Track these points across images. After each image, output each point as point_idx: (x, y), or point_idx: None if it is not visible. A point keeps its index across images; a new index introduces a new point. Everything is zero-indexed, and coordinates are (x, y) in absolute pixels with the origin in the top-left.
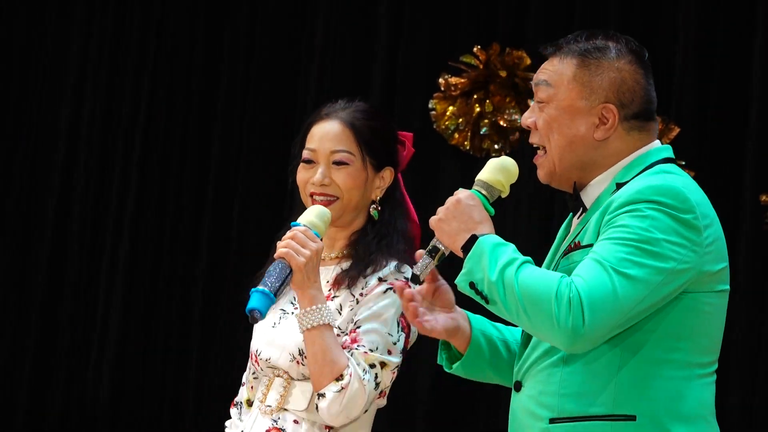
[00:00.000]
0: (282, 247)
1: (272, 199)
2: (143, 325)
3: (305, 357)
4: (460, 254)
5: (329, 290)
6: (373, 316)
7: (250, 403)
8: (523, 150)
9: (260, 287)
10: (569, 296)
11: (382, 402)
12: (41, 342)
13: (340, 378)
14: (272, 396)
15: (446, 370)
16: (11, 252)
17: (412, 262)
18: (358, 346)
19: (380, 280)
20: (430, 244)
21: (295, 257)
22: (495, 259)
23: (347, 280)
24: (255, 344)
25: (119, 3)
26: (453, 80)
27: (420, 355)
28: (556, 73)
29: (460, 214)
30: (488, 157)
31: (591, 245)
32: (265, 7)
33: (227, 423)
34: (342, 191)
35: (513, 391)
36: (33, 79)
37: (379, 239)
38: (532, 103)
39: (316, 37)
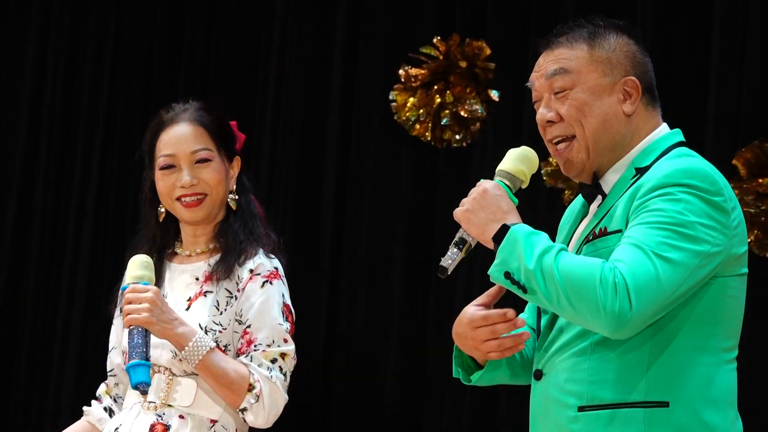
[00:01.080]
0: (126, 315)
1: None
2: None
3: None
4: (490, 245)
5: (201, 286)
6: (260, 313)
7: (108, 393)
8: (485, 140)
9: (134, 361)
10: (614, 281)
11: None
12: (1, 355)
13: (251, 388)
14: (154, 391)
15: (465, 383)
16: None
17: (271, 245)
18: (255, 346)
19: (252, 272)
20: (457, 236)
21: (138, 318)
22: (530, 248)
23: (221, 272)
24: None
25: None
26: (413, 71)
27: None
28: (571, 58)
29: (487, 205)
30: (449, 147)
31: (620, 230)
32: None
33: (85, 409)
34: (210, 187)
35: (533, 381)
36: None
37: (243, 226)
38: (541, 99)
39: (276, 30)
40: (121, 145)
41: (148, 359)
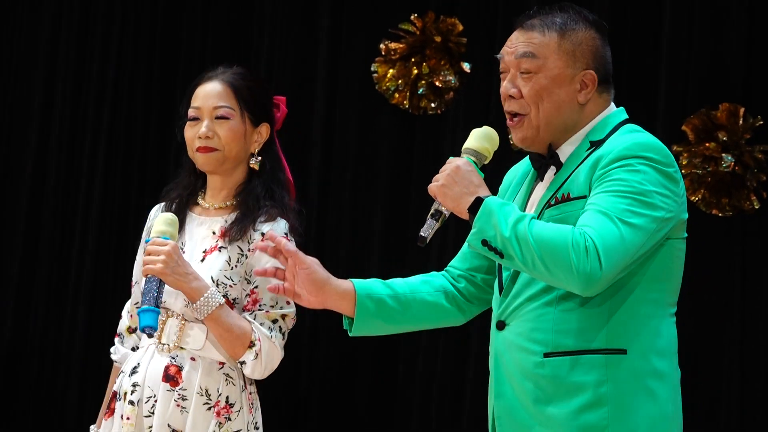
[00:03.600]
0: (144, 264)
1: None
2: (113, 278)
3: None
4: (465, 216)
5: (216, 241)
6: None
7: (131, 331)
8: (457, 108)
9: (144, 306)
10: (585, 245)
11: None
12: (18, 298)
13: (251, 345)
14: (167, 335)
15: (349, 334)
16: None
17: (296, 215)
18: (260, 305)
19: (263, 236)
20: (433, 208)
21: (153, 268)
22: (504, 217)
23: (235, 232)
24: None
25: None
26: (393, 45)
27: None
28: (541, 45)
29: (461, 179)
30: (426, 114)
31: (584, 196)
32: None
33: (112, 350)
34: (223, 143)
35: (494, 330)
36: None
37: (266, 190)
38: (507, 75)
39: (267, 12)
40: (125, 132)
41: (158, 306)
